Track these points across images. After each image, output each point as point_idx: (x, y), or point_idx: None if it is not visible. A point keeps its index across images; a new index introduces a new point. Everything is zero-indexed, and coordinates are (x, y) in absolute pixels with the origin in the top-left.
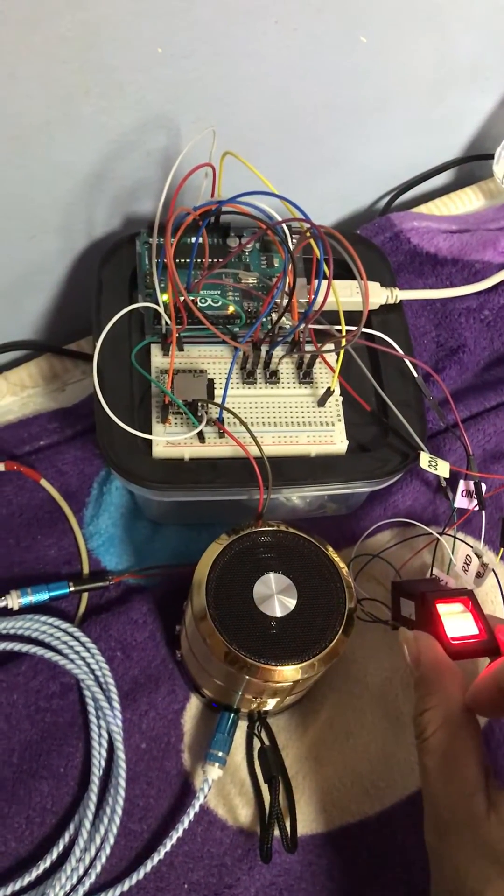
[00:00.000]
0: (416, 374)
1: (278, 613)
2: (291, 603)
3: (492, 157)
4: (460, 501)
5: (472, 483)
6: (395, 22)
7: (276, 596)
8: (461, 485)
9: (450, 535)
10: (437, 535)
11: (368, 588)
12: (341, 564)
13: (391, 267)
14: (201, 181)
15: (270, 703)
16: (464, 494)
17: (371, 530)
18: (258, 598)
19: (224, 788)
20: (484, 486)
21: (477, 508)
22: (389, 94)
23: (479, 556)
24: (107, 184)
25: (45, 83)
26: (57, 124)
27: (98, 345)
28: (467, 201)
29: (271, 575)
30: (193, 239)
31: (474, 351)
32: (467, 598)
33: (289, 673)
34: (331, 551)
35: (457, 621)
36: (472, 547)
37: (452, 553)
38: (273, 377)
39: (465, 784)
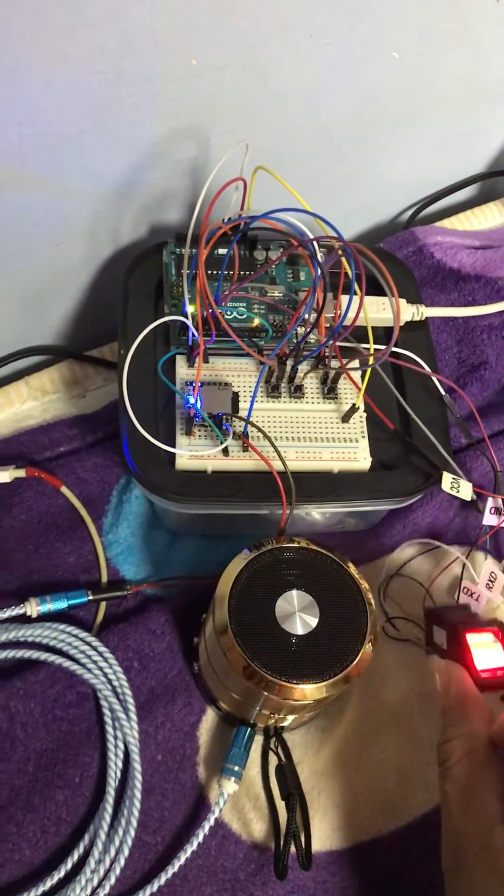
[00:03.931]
0: (442, 392)
1: (300, 631)
2: (313, 621)
3: None
4: (489, 518)
5: (500, 500)
6: (428, 39)
7: (298, 613)
8: (489, 501)
9: (482, 549)
10: (460, 555)
11: (398, 605)
12: (363, 583)
13: (417, 284)
14: (230, 193)
15: (288, 720)
16: (492, 511)
17: (399, 548)
18: (280, 615)
19: (238, 802)
20: None
21: None
22: (417, 109)
23: None
24: (135, 193)
25: (81, 93)
26: (90, 134)
27: (128, 359)
28: (490, 216)
29: (294, 592)
30: (221, 251)
31: (496, 368)
32: (497, 629)
33: (308, 692)
34: (353, 569)
35: (487, 653)
36: (500, 562)
37: (476, 571)
38: (297, 392)
39: (484, 815)
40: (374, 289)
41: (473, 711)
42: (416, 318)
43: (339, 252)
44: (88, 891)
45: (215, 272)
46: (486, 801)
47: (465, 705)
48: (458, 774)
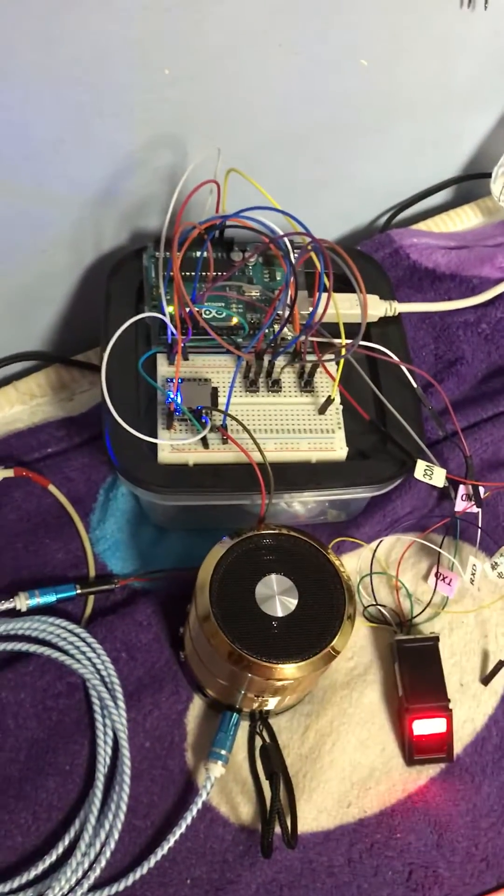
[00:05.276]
0: (415, 384)
1: (280, 613)
2: (292, 603)
3: (489, 175)
4: (460, 504)
5: (471, 486)
6: (395, 45)
7: (278, 596)
8: (461, 489)
9: (454, 535)
10: (439, 549)
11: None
12: (341, 567)
13: (390, 281)
14: (206, 198)
15: (272, 703)
16: (463, 498)
17: (379, 541)
18: (260, 599)
19: (226, 787)
20: (483, 490)
21: (475, 508)
22: (389, 115)
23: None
24: (115, 200)
25: (59, 103)
26: (70, 143)
27: (107, 352)
28: (465, 219)
29: (273, 576)
30: (199, 253)
31: (472, 363)
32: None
33: (290, 671)
34: (331, 554)
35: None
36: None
37: (455, 559)
38: (275, 386)
39: None
40: (351, 287)
41: None
42: (389, 314)
43: (309, 248)
44: (80, 874)
45: (193, 273)
46: None
47: None
48: None
